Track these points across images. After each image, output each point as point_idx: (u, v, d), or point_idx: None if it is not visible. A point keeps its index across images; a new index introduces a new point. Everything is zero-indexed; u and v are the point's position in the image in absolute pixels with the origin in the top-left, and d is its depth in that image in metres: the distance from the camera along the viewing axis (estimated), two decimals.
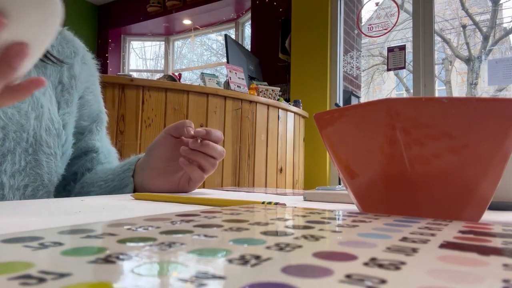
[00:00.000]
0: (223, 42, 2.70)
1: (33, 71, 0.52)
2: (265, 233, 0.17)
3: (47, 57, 0.53)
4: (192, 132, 0.51)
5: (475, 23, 4.05)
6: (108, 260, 0.11)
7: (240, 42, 3.80)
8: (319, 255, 0.13)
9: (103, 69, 3.21)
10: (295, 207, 0.30)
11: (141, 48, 4.97)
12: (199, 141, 0.51)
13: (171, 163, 0.54)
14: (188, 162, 0.52)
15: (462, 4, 4.04)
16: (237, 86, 2.13)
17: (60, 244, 0.14)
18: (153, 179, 0.54)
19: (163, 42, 4.64)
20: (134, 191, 0.56)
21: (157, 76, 4.56)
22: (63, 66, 0.57)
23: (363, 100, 3.32)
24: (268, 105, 2.13)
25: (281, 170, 2.22)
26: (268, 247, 0.14)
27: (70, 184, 0.61)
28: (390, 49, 2.60)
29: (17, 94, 0.30)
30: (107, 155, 0.65)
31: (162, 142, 0.54)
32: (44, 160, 0.52)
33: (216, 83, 2.20)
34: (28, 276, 0.10)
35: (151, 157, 0.55)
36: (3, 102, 0.30)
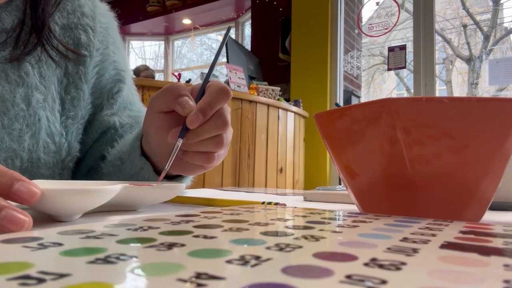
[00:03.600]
0: None
1: (34, 64, 0.44)
2: (265, 233, 0.16)
3: (59, 50, 0.45)
4: (187, 106, 0.36)
5: (476, 23, 4.04)
6: (108, 260, 0.11)
7: (240, 42, 3.80)
8: (319, 255, 0.13)
9: None
10: (295, 207, 0.30)
11: (140, 47, 4.97)
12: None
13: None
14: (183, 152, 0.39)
15: (463, 4, 4.03)
16: (237, 86, 2.13)
17: (59, 244, 0.14)
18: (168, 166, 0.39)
19: (163, 42, 4.64)
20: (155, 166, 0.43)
21: (157, 76, 4.56)
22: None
23: (363, 100, 3.32)
24: (268, 105, 2.13)
25: (281, 170, 2.22)
26: (268, 248, 0.14)
27: (100, 166, 0.50)
28: (391, 49, 2.60)
29: None
30: (135, 123, 0.53)
31: (155, 125, 0.40)
32: None
33: None
34: (27, 277, 0.10)
35: (151, 143, 0.42)
36: None
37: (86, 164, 0.54)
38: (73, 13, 0.49)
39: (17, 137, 0.42)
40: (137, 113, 0.55)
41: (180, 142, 0.36)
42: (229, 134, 0.39)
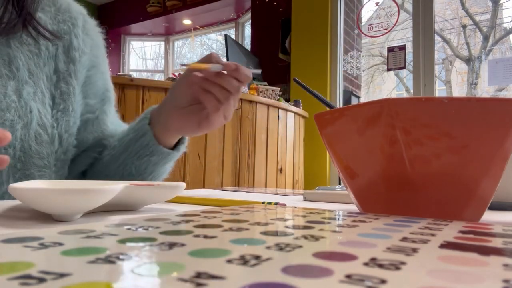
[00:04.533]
0: (223, 42, 2.70)
1: (24, 62, 0.47)
2: (265, 233, 0.17)
3: (39, 32, 0.47)
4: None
5: (475, 23, 4.04)
6: (108, 260, 0.11)
7: (240, 42, 3.80)
8: (319, 255, 0.13)
9: None
10: (295, 207, 0.30)
11: (141, 48, 4.97)
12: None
13: (196, 102, 0.50)
14: (203, 91, 0.47)
15: (462, 4, 4.03)
16: None
17: (60, 244, 0.14)
18: (176, 118, 0.50)
19: (163, 42, 4.64)
20: (156, 137, 0.52)
21: (157, 76, 4.56)
22: (58, 49, 0.51)
23: (363, 100, 3.32)
24: (268, 105, 2.13)
25: (281, 170, 2.22)
26: (268, 247, 0.14)
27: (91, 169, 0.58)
28: (390, 49, 2.60)
29: None
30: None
31: (185, 79, 0.49)
32: (37, 175, 0.46)
33: None
34: (28, 276, 0.10)
35: (174, 96, 0.51)
36: None
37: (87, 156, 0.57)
38: (63, 22, 0.52)
39: (9, 127, 0.44)
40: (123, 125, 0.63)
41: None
42: (229, 99, 0.48)
